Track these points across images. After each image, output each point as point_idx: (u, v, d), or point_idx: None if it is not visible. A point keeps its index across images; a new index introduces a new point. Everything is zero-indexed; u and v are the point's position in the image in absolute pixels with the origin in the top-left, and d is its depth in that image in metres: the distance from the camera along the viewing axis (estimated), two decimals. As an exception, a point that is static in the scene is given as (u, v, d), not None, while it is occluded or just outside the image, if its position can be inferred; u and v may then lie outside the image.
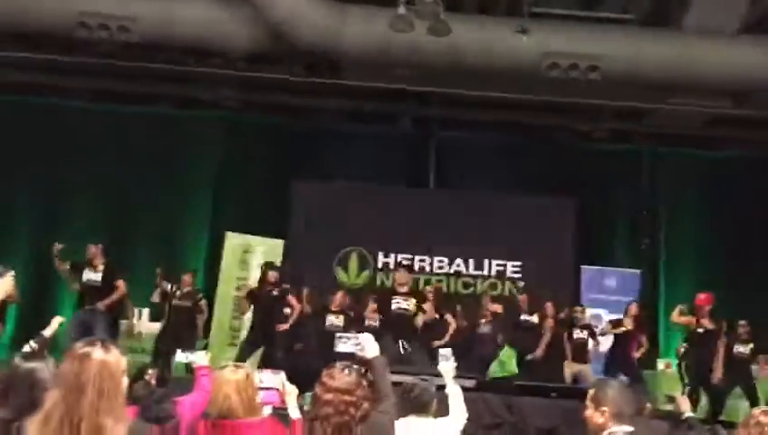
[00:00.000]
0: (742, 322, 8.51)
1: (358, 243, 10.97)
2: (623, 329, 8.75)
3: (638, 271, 11.18)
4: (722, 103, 10.20)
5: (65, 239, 8.40)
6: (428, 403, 3.92)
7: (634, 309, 8.91)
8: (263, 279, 8.54)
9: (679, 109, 10.35)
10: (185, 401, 3.37)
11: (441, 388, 4.32)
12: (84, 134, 11.17)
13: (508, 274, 11.10)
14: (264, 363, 7.47)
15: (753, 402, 7.81)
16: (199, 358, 3.88)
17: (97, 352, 2.07)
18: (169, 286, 8.68)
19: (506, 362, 8.84)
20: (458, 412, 4.16)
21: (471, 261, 11.02)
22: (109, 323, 8.20)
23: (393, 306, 7.57)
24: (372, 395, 2.74)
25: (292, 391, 3.51)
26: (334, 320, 8.77)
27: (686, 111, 10.42)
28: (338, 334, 7.76)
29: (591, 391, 2.82)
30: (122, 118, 11.27)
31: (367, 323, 8.26)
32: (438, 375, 4.47)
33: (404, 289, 7.72)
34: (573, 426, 4.72)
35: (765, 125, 11.02)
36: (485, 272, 11.09)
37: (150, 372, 5.94)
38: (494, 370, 8.82)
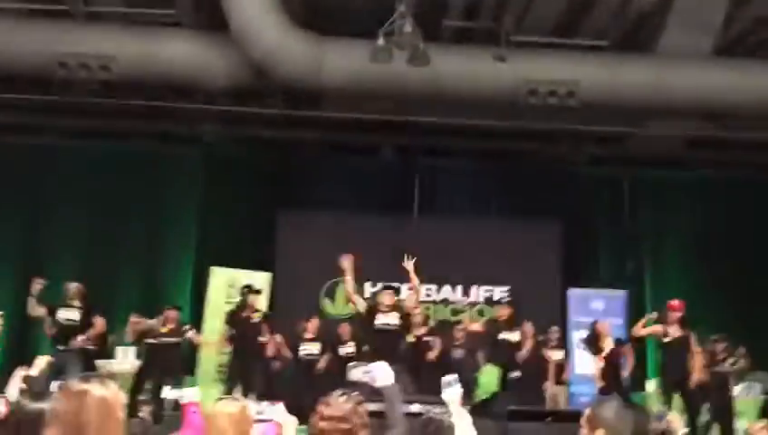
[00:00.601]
0: (714, 336, 8.44)
1: (343, 273, 10.92)
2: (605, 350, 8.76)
3: (623, 292, 11.22)
4: (699, 125, 10.36)
5: (47, 278, 8.31)
6: None
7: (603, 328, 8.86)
8: (243, 303, 8.50)
9: (657, 132, 10.50)
10: None
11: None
12: (66, 172, 11.13)
13: (496, 299, 11.10)
14: (246, 390, 7.39)
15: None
16: (188, 394, 3.84)
17: (96, 389, 2.02)
18: (152, 322, 8.60)
19: (487, 381, 8.69)
20: None
21: (458, 287, 11.02)
22: (83, 363, 8.02)
23: (377, 323, 7.36)
24: (367, 422, 2.69)
25: (290, 422, 3.45)
26: (310, 348, 8.72)
27: (664, 133, 10.57)
28: (350, 363, 7.70)
29: (587, 412, 2.80)
30: (104, 154, 11.26)
31: (342, 350, 8.30)
32: (442, 404, 4.35)
33: (387, 309, 7.48)
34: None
35: (742, 146, 11.22)
36: (473, 298, 11.08)
37: (145, 409, 5.88)
38: (479, 392, 8.71)
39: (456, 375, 4.78)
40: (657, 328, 8.23)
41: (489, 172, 11.77)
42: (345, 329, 9.24)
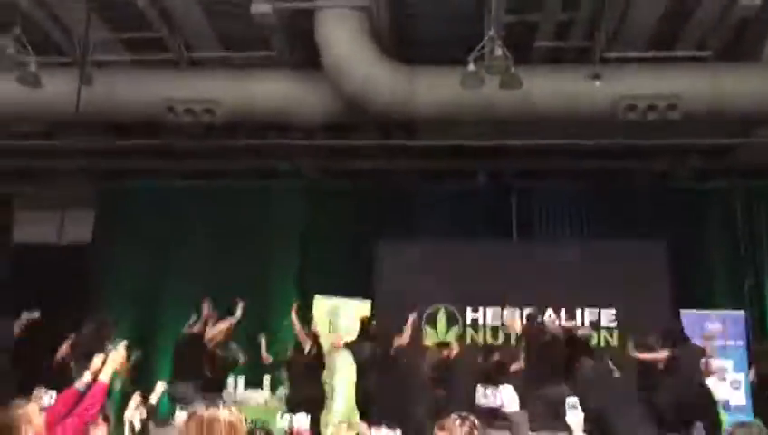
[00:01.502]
0: None
1: (445, 300, 10.93)
2: None
3: (742, 312, 10.64)
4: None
5: (166, 312, 8.81)
6: None
7: None
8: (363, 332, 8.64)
9: (766, 141, 9.98)
10: None
11: None
12: (174, 212, 11.75)
13: (603, 323, 10.76)
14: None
15: None
16: (299, 421, 3.92)
17: (223, 413, 2.10)
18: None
19: None
20: None
21: (562, 311, 10.75)
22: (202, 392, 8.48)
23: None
24: None
25: None
26: None
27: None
28: (479, 386, 7.80)
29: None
30: (209, 194, 11.82)
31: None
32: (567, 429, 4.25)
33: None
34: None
35: None
36: (578, 322, 10.76)
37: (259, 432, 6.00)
38: None
39: (577, 398, 4.66)
40: None
41: (587, 192, 11.50)
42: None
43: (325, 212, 11.66)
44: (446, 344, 9.89)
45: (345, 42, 8.46)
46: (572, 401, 4.51)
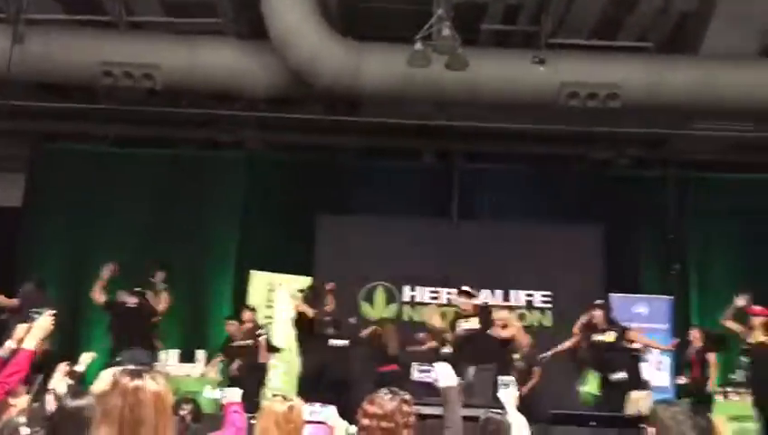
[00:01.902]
0: None
1: (383, 277, 10.97)
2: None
3: (668, 297, 11.02)
4: (744, 126, 10.13)
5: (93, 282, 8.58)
6: None
7: (698, 334, 8.80)
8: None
9: (702, 133, 10.30)
10: None
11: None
12: (109, 178, 11.40)
13: (537, 303, 11.00)
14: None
15: None
16: (230, 394, 3.87)
17: (150, 384, 1.99)
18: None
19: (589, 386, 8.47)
20: None
21: (498, 292, 10.93)
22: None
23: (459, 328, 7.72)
24: (411, 422, 2.67)
25: (340, 425, 3.42)
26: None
27: (709, 135, 10.36)
28: (414, 363, 7.97)
29: (650, 409, 2.85)
30: (147, 161, 11.53)
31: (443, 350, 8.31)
32: (499, 404, 4.39)
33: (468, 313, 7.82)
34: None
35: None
36: (513, 302, 10.98)
37: (185, 407, 5.94)
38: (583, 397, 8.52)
39: (512, 377, 4.80)
40: (743, 328, 7.83)
41: (529, 176, 11.66)
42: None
43: (266, 186, 11.50)
44: (385, 321, 9.91)
45: (293, 14, 8.34)
46: (506, 379, 4.66)
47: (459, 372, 7.20)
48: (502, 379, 4.70)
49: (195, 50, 9.12)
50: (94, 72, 8.86)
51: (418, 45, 7.80)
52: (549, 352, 8.69)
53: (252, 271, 10.52)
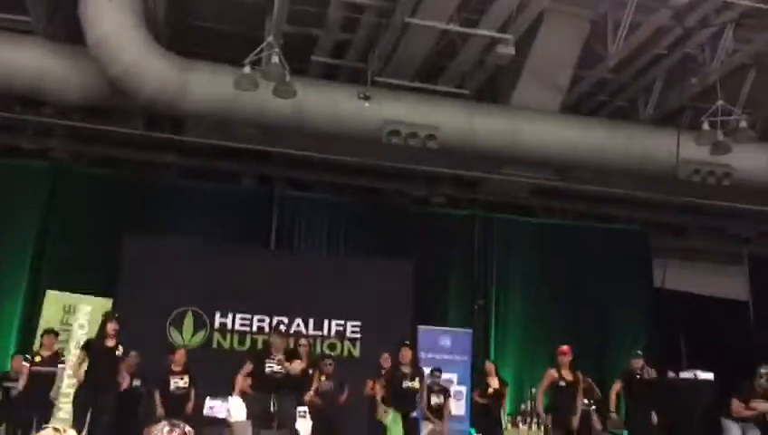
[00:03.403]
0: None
1: (193, 302, 10.56)
2: (492, 389, 9.23)
3: (469, 330, 11.61)
4: (545, 175, 11.04)
5: None
6: None
7: (492, 367, 9.44)
8: (102, 330, 7.97)
9: (508, 178, 11.08)
10: None
11: None
12: None
13: (348, 334, 11.13)
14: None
15: None
16: None
17: None
18: None
19: (393, 427, 8.55)
20: None
21: (311, 321, 10.94)
22: None
23: (266, 369, 7.32)
24: None
25: None
26: (179, 382, 8.46)
27: (514, 180, 11.17)
28: (207, 397, 7.83)
29: None
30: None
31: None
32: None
33: (279, 355, 7.41)
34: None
35: (581, 197, 12.08)
36: (325, 332, 11.04)
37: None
38: None
39: (305, 408, 4.83)
40: (553, 374, 8.28)
41: (348, 207, 11.89)
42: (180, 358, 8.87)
43: (71, 199, 10.68)
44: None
45: (112, 21, 7.94)
46: (303, 409, 4.76)
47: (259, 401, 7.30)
48: (299, 409, 4.79)
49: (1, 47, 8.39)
50: None
51: (247, 69, 7.73)
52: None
53: (48, 291, 9.72)
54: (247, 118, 9.09)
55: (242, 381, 7.43)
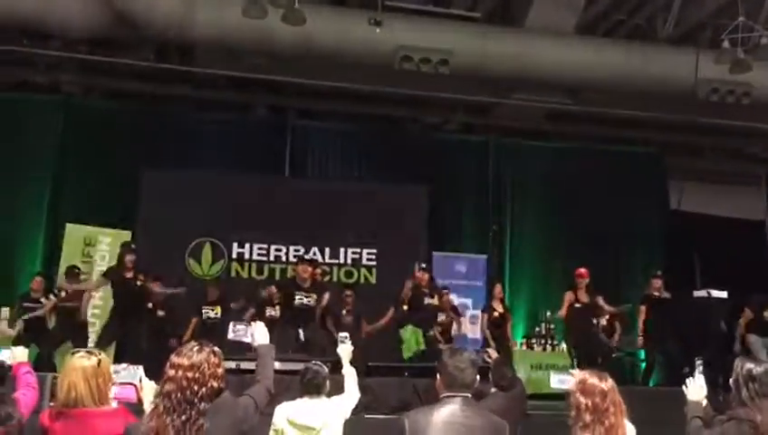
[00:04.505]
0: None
1: (210, 233, 10.70)
2: (497, 313, 9.38)
3: (484, 256, 11.70)
4: (559, 99, 10.88)
5: None
6: (321, 385, 4.19)
7: (499, 290, 9.58)
8: (120, 262, 8.13)
9: (522, 103, 10.94)
10: (18, 400, 3.19)
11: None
12: None
13: (363, 261, 11.25)
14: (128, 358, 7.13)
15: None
16: (18, 354, 3.64)
17: None
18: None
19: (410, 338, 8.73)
20: (352, 391, 4.42)
21: (327, 249, 11.06)
22: None
23: (296, 301, 7.86)
24: (219, 373, 2.73)
25: (149, 386, 3.35)
26: (210, 313, 8.74)
27: (528, 105, 11.03)
28: (231, 323, 8.01)
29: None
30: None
31: (268, 313, 8.36)
32: (338, 358, 4.65)
33: (306, 284, 7.97)
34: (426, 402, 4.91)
35: (595, 120, 11.93)
36: (341, 260, 11.17)
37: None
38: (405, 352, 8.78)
39: (347, 333, 5.00)
40: (571, 296, 8.63)
41: (360, 135, 11.86)
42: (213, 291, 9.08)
43: (85, 133, 10.74)
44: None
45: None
46: (344, 334, 4.98)
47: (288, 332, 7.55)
48: (340, 335, 5.00)
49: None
50: None
51: (255, -5, 7.61)
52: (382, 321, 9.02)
53: (67, 223, 9.87)
54: (256, 46, 8.99)
55: None
